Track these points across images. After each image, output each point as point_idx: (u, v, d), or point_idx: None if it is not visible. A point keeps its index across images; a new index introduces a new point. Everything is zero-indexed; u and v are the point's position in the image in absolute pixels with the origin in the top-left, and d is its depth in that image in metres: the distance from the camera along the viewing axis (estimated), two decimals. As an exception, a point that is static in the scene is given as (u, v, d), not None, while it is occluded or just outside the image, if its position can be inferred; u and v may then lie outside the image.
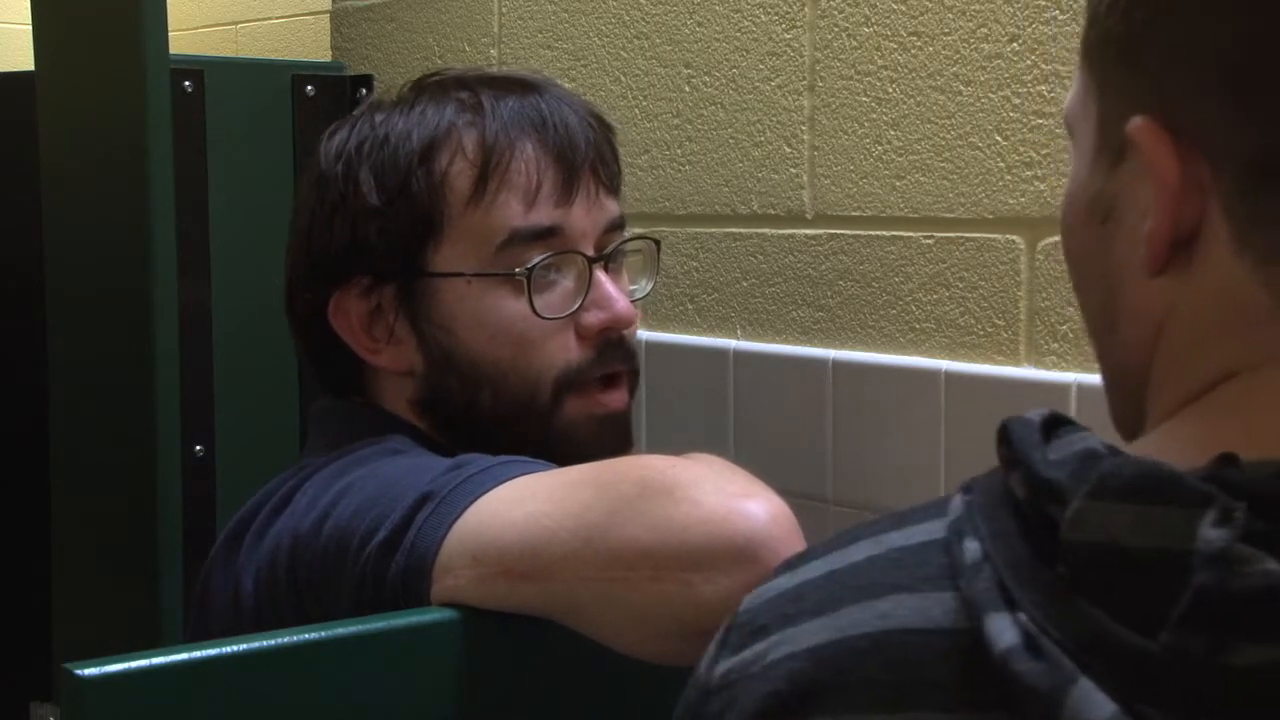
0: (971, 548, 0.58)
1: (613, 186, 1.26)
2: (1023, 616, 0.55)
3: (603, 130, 1.26)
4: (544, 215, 1.19)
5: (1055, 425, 0.60)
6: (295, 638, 0.92)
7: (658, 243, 1.33)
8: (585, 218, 1.21)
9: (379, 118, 1.22)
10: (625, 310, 1.22)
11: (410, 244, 1.19)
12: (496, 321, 1.19)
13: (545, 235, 1.19)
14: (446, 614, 0.97)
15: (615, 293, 1.22)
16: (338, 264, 1.21)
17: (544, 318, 1.18)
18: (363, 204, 1.19)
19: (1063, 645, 0.53)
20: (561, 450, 1.16)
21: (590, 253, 1.21)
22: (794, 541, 0.92)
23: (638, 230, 1.36)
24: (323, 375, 1.27)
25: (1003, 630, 0.55)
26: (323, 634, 0.93)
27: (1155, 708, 0.51)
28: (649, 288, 1.32)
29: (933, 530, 0.61)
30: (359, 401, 1.25)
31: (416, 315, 1.20)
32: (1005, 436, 0.60)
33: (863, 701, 0.57)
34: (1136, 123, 0.61)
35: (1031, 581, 0.55)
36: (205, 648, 0.90)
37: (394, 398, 1.22)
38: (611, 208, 1.25)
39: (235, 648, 0.90)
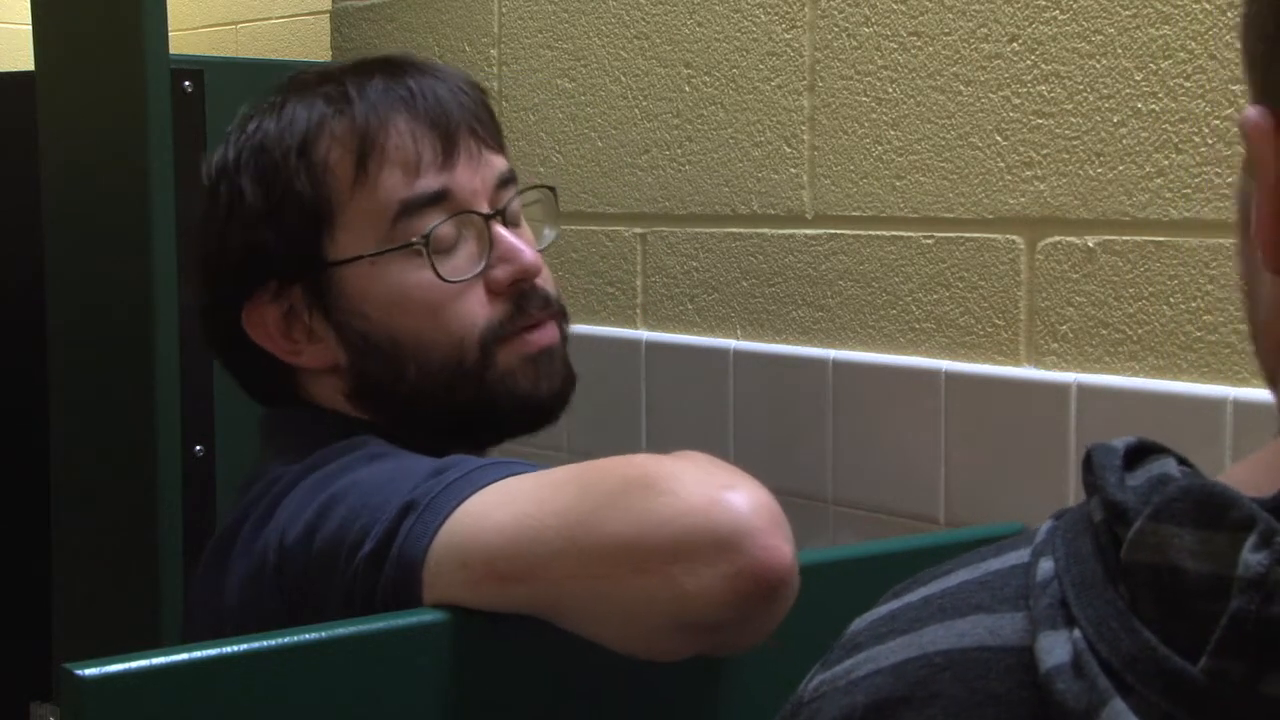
0: (1045, 567, 0.58)
1: (496, 144, 1.26)
2: (1077, 634, 0.54)
3: (476, 94, 1.26)
4: (430, 181, 1.19)
5: (1146, 452, 0.59)
6: (295, 638, 0.92)
7: (553, 189, 1.33)
8: (473, 177, 1.21)
9: (251, 127, 1.22)
10: (532, 260, 1.22)
11: (306, 239, 1.19)
12: (405, 295, 1.18)
13: (435, 200, 1.19)
14: (443, 615, 0.96)
15: (519, 244, 1.22)
16: (240, 275, 1.21)
17: (449, 281, 1.18)
18: (250, 209, 1.19)
19: (1108, 665, 0.53)
20: (504, 404, 1.18)
21: (486, 210, 1.22)
22: (776, 532, 0.91)
23: (530, 182, 1.35)
24: (252, 388, 1.27)
25: (1053, 648, 0.55)
26: (322, 634, 0.93)
27: None
28: (553, 236, 1.32)
29: (1023, 555, 0.61)
30: (300, 406, 1.24)
31: (329, 308, 1.20)
32: (1088, 463, 0.59)
33: (933, 714, 0.57)
34: (1246, 113, 0.57)
35: (1094, 601, 0.55)
36: (205, 648, 0.90)
37: (329, 395, 1.22)
38: (498, 163, 1.24)
39: (235, 648, 0.90)
